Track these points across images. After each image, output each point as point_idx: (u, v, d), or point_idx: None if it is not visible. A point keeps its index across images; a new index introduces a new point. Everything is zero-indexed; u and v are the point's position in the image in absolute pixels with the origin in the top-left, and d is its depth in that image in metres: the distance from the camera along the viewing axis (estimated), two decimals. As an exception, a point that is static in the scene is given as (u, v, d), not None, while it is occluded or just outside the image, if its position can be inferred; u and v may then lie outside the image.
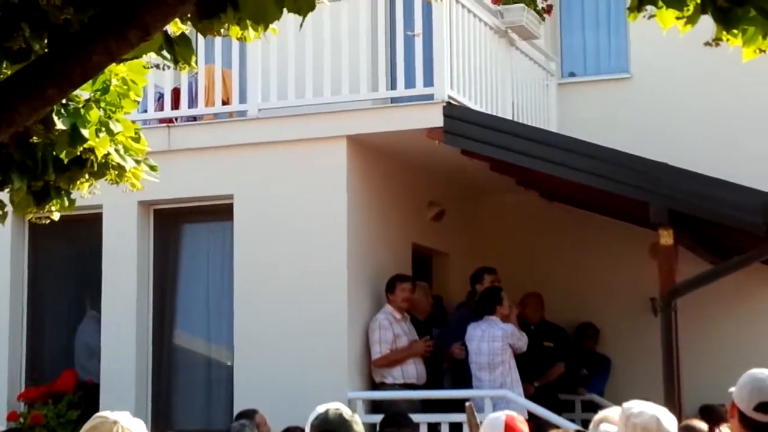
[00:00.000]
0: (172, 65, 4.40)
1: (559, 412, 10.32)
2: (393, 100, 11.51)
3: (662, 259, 9.98)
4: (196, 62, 11.09)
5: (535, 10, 12.53)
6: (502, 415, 5.03)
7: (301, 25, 4.23)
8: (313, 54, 10.82)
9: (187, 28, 4.41)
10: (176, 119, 11.65)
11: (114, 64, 4.31)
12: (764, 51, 3.57)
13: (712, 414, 8.06)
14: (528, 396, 10.82)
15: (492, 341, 10.71)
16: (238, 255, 10.97)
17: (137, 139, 5.07)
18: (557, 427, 7.44)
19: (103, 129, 4.79)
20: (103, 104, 4.83)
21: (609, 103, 13.47)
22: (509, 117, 11.75)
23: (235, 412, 10.02)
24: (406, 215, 11.64)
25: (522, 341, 10.85)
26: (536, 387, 11.37)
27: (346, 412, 5.02)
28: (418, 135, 10.61)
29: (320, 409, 4.96)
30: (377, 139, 10.87)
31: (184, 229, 11.72)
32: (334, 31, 10.80)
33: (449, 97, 10.61)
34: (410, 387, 10.64)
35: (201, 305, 11.46)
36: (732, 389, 5.03)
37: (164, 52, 4.31)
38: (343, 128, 10.77)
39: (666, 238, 9.88)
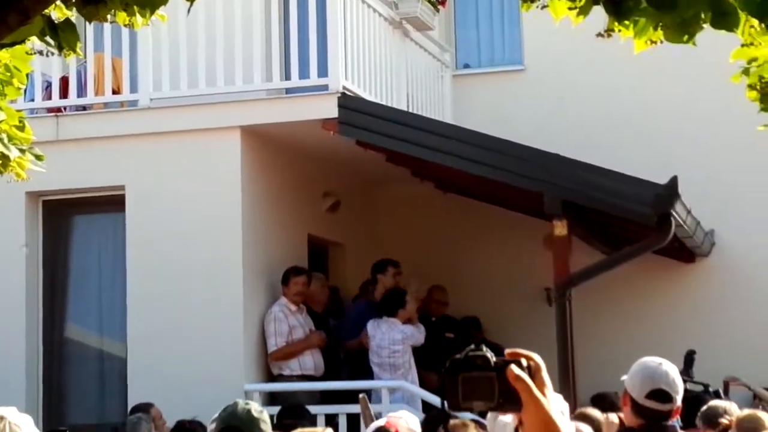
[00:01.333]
0: (56, 52, 4.28)
1: (450, 418, 10.33)
2: (287, 90, 11.43)
3: (556, 249, 10.06)
4: (84, 50, 10.99)
5: (429, 1, 12.53)
6: (381, 421, 4.99)
7: (189, 10, 4.13)
8: (206, 43, 10.70)
9: (73, 14, 4.29)
10: (65, 109, 11.42)
11: (-4, 50, 4.17)
12: (655, 42, 3.58)
13: (603, 401, 8.13)
14: (433, 386, 10.89)
15: (392, 344, 10.78)
16: (131, 247, 10.81)
17: (22, 128, 4.93)
18: (455, 417, 7.46)
19: (-14, 117, 4.64)
20: (-15, 92, 4.68)
21: (503, 94, 13.54)
22: (404, 108, 11.74)
23: (130, 405, 9.90)
24: (301, 206, 11.58)
25: (420, 337, 10.95)
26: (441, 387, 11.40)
27: (256, 408, 4.93)
28: (313, 126, 10.55)
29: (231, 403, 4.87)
30: (272, 130, 10.79)
31: (74, 220, 11.53)
32: (228, 20, 10.69)
33: (344, 87, 10.56)
34: (308, 378, 10.62)
35: (93, 298, 11.28)
36: (624, 377, 5.07)
37: (48, 39, 4.19)
38: (237, 119, 10.68)
39: (560, 228, 9.96)
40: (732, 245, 12.82)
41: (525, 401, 2.35)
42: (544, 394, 2.38)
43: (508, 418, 4.71)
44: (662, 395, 4.89)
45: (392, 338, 10.79)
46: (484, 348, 2.39)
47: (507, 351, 2.42)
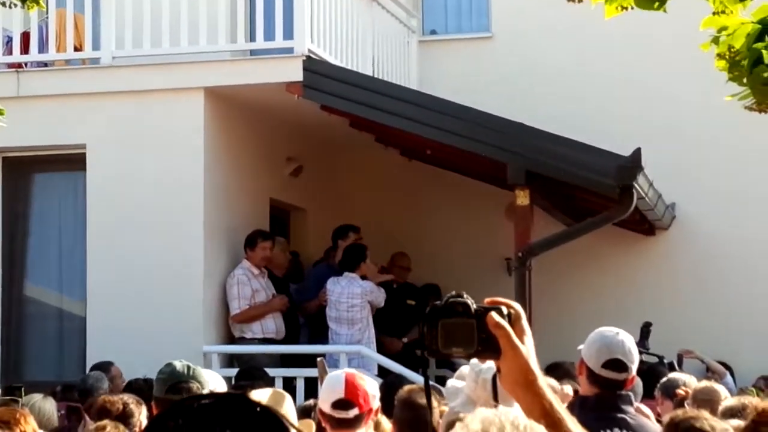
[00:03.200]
0: (19, 3, 4.20)
1: (416, 369, 10.37)
2: (252, 52, 11.35)
3: (518, 219, 10.08)
4: (47, 5, 10.85)
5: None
6: (341, 373, 5.01)
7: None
8: (170, 1, 10.59)
9: (36, -34, 4.22)
10: (26, 64, 11.29)
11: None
12: (626, 8, 3.55)
13: (558, 370, 8.16)
14: (395, 351, 10.91)
15: (351, 298, 10.75)
16: (91, 205, 10.73)
17: (-19, 81, 4.84)
18: (412, 382, 7.47)
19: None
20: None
21: (470, 62, 13.51)
22: (370, 73, 11.68)
23: (88, 364, 9.90)
24: (264, 170, 11.52)
25: (380, 297, 10.93)
26: (405, 343, 11.46)
27: (191, 365, 5.00)
28: (277, 89, 10.49)
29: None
30: (235, 92, 10.72)
31: (34, 178, 11.42)
32: (193, -21, 10.59)
33: (309, 51, 10.50)
34: (270, 342, 10.63)
35: (53, 256, 11.20)
36: (580, 347, 5.08)
37: (11, -10, 4.12)
38: (201, 80, 10.60)
39: (522, 198, 9.97)
40: (692, 219, 12.89)
41: (504, 348, 2.35)
42: (523, 342, 2.37)
43: (460, 384, 4.71)
44: (618, 365, 4.91)
45: (351, 292, 10.78)
46: (465, 295, 2.38)
47: (487, 299, 2.40)
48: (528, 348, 2.37)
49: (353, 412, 4.84)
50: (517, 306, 2.40)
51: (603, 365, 4.91)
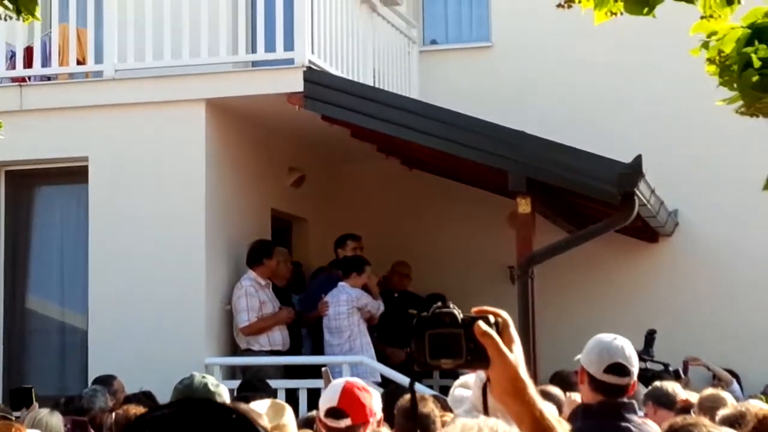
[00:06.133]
0: (15, 16, 4.23)
1: (419, 378, 10.36)
2: (253, 63, 11.38)
3: (520, 227, 10.07)
4: (49, 20, 10.90)
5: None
6: (342, 381, 4.94)
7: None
8: (172, 14, 10.63)
9: (33, -20, 4.25)
10: (29, 78, 11.33)
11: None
12: (615, 14, 3.56)
13: (563, 381, 8.15)
14: (399, 362, 10.89)
15: (337, 305, 10.77)
16: (93, 219, 10.75)
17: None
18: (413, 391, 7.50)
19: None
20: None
21: (470, 71, 13.54)
22: (370, 84, 11.71)
23: (90, 377, 9.87)
24: (265, 180, 11.54)
25: (374, 306, 10.93)
26: (408, 352, 11.43)
27: (212, 382, 4.94)
28: (279, 100, 10.50)
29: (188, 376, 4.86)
30: (237, 103, 10.74)
31: (37, 191, 11.45)
32: (193, -9, 10.62)
33: (310, 62, 10.52)
34: (276, 353, 10.60)
35: (55, 269, 11.22)
36: (578, 356, 5.08)
37: (7, 2, 4.14)
38: (202, 91, 10.63)
39: (524, 206, 9.96)
40: (695, 226, 12.88)
41: (492, 357, 2.33)
42: (511, 350, 2.35)
43: (466, 392, 4.71)
44: (620, 369, 4.91)
45: (337, 300, 10.83)
46: (452, 305, 2.37)
47: (474, 309, 2.39)
48: (517, 356, 2.35)
49: (345, 422, 4.72)
50: (505, 314, 2.39)
51: (605, 370, 4.91)
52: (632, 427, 4.88)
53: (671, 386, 7.08)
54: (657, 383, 7.21)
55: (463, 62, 13.67)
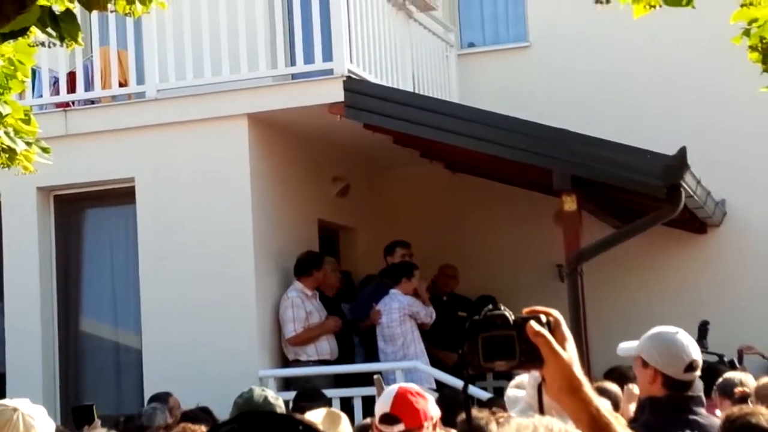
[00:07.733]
0: (58, 42, 4.29)
1: (472, 382, 10.35)
2: (293, 76, 11.42)
3: (566, 224, 10.04)
4: (90, 44, 11.01)
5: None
6: (395, 387, 4.94)
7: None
8: (210, 32, 10.70)
9: (74, 6, 4.31)
10: (73, 103, 11.45)
11: (-1, 44, 4.19)
12: (654, 6, 3.56)
13: (621, 376, 8.13)
14: (452, 365, 10.89)
15: (389, 313, 10.80)
16: (142, 238, 10.84)
17: (27, 121, 4.95)
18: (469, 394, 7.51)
19: (-9, 111, 4.66)
20: (-11, 86, 4.70)
21: (509, 72, 13.53)
22: (410, 90, 11.73)
23: (146, 395, 9.94)
24: (310, 191, 11.59)
25: (426, 313, 10.95)
26: (460, 355, 11.41)
27: (271, 395, 4.97)
28: (320, 110, 10.55)
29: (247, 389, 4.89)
30: (278, 116, 10.79)
31: (85, 214, 11.56)
32: (231, 7, 10.70)
33: (349, 71, 10.56)
34: (324, 363, 10.63)
35: (106, 290, 11.32)
36: (628, 349, 5.00)
37: (50, 30, 4.20)
38: (244, 106, 10.69)
39: (569, 203, 9.94)
40: (743, 214, 12.79)
41: (546, 357, 2.34)
42: (564, 348, 2.36)
43: (520, 393, 4.71)
44: (696, 366, 4.87)
45: (390, 307, 10.84)
46: (503, 307, 2.37)
47: (525, 309, 2.40)
48: (570, 354, 2.36)
49: (398, 428, 4.72)
50: (556, 313, 2.40)
51: (686, 370, 4.84)
52: (700, 419, 4.83)
53: (739, 377, 7.03)
54: (727, 374, 7.17)
55: (501, 63, 13.66)
